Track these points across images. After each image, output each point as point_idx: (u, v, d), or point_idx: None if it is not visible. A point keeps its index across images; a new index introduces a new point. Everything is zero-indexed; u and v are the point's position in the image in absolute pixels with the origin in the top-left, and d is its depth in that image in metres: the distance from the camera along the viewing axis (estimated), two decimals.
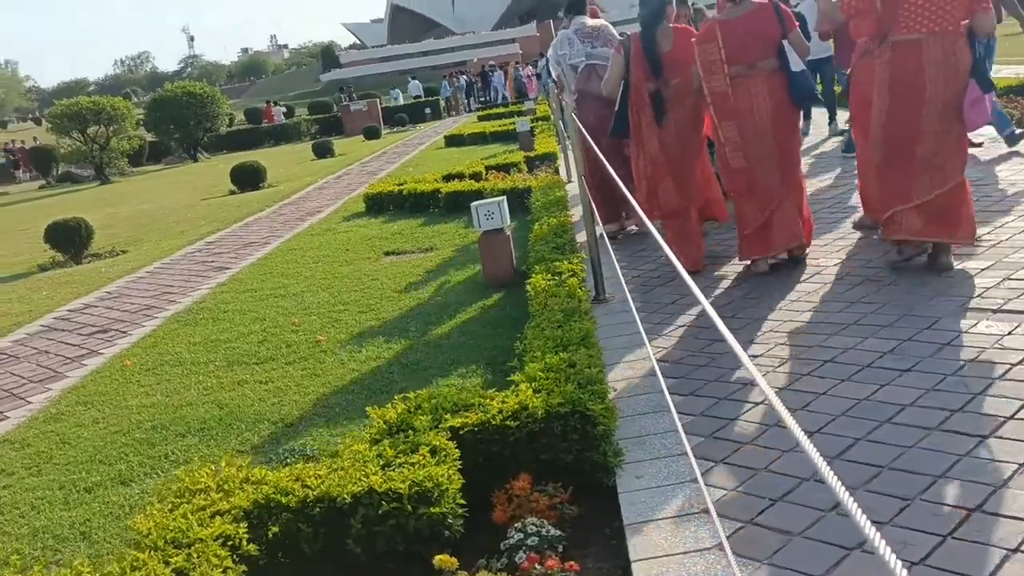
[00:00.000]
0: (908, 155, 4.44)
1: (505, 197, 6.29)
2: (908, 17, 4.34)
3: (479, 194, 9.31)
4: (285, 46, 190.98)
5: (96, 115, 24.78)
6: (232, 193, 16.20)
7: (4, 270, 10.52)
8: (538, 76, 35.53)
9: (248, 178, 16.26)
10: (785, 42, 5.02)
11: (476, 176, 11.19)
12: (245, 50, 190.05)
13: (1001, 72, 13.50)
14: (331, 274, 7.31)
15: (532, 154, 12.42)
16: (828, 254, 5.27)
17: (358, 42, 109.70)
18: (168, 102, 29.68)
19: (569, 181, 9.92)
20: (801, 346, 3.84)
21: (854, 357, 3.58)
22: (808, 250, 5.27)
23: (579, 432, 2.93)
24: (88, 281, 8.80)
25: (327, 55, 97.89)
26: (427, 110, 35.09)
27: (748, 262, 5.22)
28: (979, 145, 7.52)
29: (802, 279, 4.88)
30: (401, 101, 38.04)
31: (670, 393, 2.98)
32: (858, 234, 5.58)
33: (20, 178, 32.48)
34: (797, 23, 5.17)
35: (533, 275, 5.02)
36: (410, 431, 2.98)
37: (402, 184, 10.77)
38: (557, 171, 10.82)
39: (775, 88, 4.98)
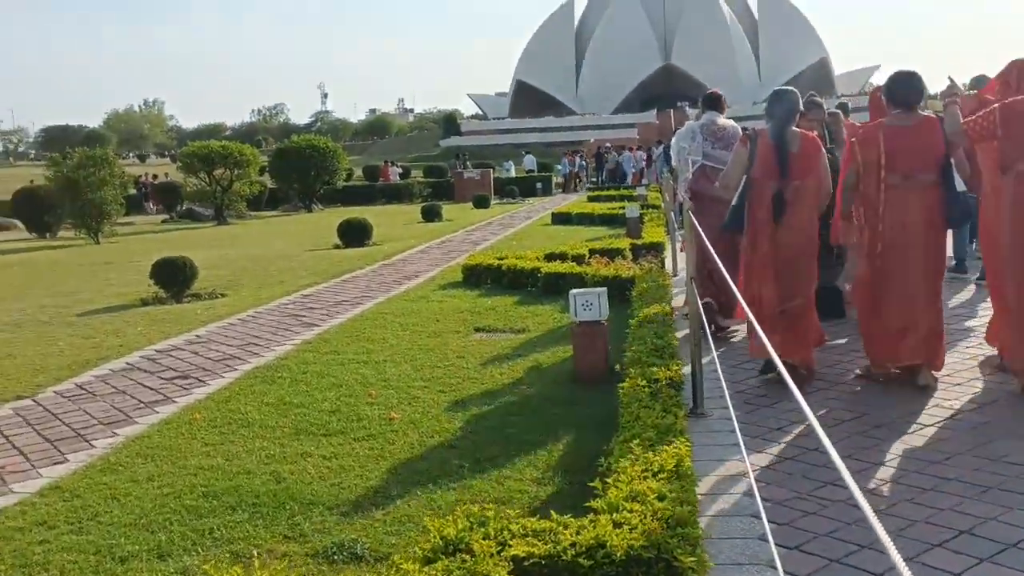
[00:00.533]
0: None
1: (606, 289, 5.94)
2: None
3: (580, 278, 8.98)
4: (411, 110, 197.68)
5: (224, 158, 25.78)
6: (337, 247, 16.36)
7: (109, 300, 10.72)
8: (648, 163, 35.69)
9: (354, 234, 16.41)
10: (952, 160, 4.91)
11: (579, 258, 10.88)
12: (373, 110, 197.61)
13: None
14: (417, 345, 7.06)
15: (639, 242, 12.06)
16: (955, 388, 4.70)
17: (480, 112, 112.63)
18: (292, 152, 30.74)
19: (675, 275, 9.51)
20: (932, 508, 3.31)
21: (996, 531, 3.04)
22: (936, 379, 4.97)
23: None
24: (181, 321, 8.82)
25: (448, 121, 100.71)
26: (538, 185, 35.32)
27: (861, 372, 5.20)
28: None
29: (926, 408, 4.34)
30: (513, 173, 38.45)
31: (777, 546, 2.53)
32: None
33: (148, 210, 34.00)
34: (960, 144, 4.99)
35: (627, 378, 4.62)
36: (467, 556, 2.61)
37: (502, 258, 10.56)
38: (663, 263, 10.43)
39: (931, 204, 4.85)
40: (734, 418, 3.39)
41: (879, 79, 76.57)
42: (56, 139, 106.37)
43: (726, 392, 3.75)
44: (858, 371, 5.32)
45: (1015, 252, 4.69)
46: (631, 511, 2.80)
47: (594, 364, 5.74)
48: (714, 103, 7.04)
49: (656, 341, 5.38)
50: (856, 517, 3.24)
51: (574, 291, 5.82)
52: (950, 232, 5.93)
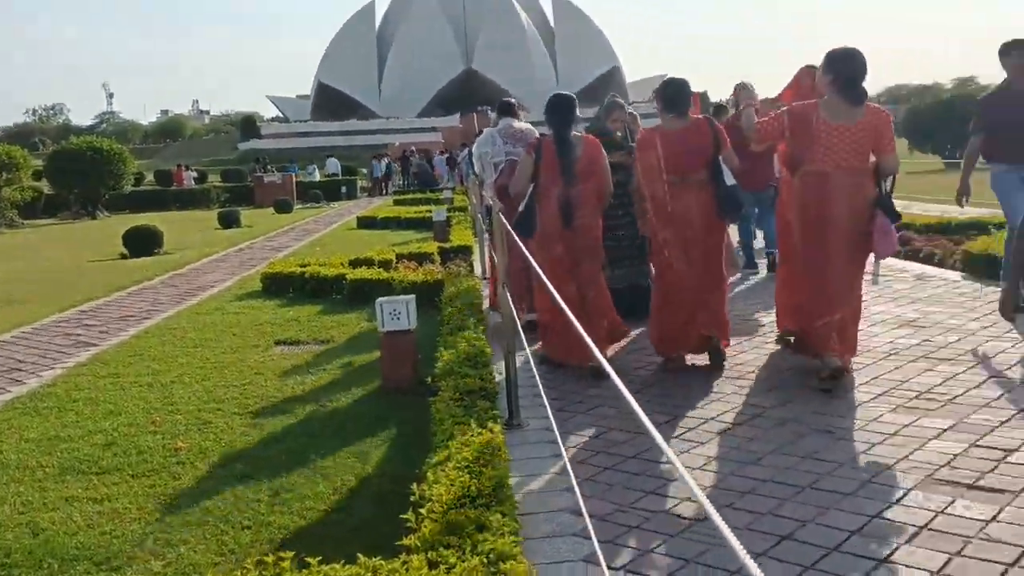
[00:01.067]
0: (823, 273, 4.74)
1: (414, 296, 5.62)
2: (819, 153, 4.71)
3: (388, 285, 8.63)
4: (207, 112, 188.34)
5: None
6: (123, 257, 15.07)
7: None
8: (452, 166, 35.88)
9: (142, 242, 15.18)
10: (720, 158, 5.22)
11: (386, 264, 10.51)
12: (165, 111, 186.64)
13: (911, 208, 13.76)
14: (211, 362, 6.46)
15: (447, 245, 11.86)
16: (747, 357, 4.77)
17: (281, 115, 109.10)
18: (71, 155, 28.18)
19: (484, 278, 9.36)
20: (753, 514, 3.24)
21: (816, 535, 3.00)
22: (726, 356, 5.35)
23: None
24: None
25: (247, 124, 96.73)
26: (343, 188, 34.47)
27: (664, 359, 5.42)
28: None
29: (733, 408, 4.36)
30: (317, 177, 37.31)
31: (609, 569, 2.32)
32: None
33: None
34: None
35: (440, 392, 4.34)
36: None
37: (305, 266, 10.00)
38: (472, 267, 10.26)
39: (704, 201, 5.18)
40: (555, 428, 3.19)
41: None
42: None
43: (546, 401, 3.55)
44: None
45: (804, 248, 4.88)
46: (448, 546, 2.51)
47: (403, 376, 5.42)
48: (507, 110, 7.22)
49: (468, 348, 5.14)
50: (680, 527, 3.11)
51: (381, 299, 5.47)
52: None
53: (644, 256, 6.87)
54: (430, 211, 17.90)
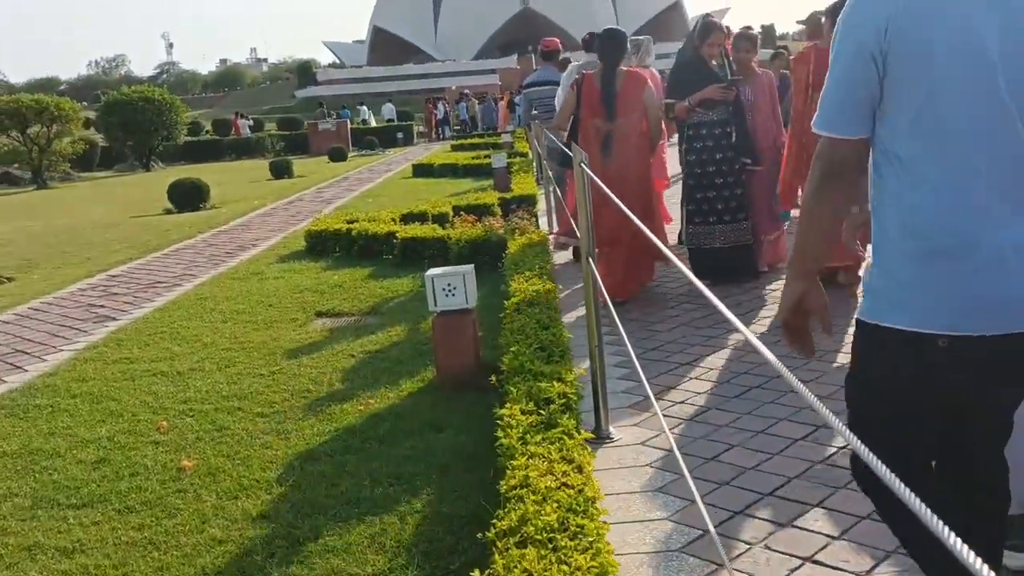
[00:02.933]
0: None
1: (472, 267, 4.58)
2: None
3: (443, 243, 7.62)
4: (265, 60, 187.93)
5: (38, 114, 22.79)
6: (168, 212, 14.36)
7: None
8: (512, 108, 34.57)
9: (188, 197, 14.44)
10: None
11: (441, 218, 9.50)
12: (224, 61, 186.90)
13: None
14: (239, 342, 5.55)
15: (508, 195, 10.76)
16: None
17: (337, 61, 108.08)
18: (123, 106, 27.68)
19: (551, 233, 8.28)
20: None
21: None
22: None
23: None
24: None
25: (304, 71, 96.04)
26: (399, 134, 33.42)
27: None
28: None
29: None
30: (372, 123, 36.32)
31: None
32: None
33: None
34: None
35: (508, 400, 3.33)
36: None
37: (352, 222, 9.04)
38: (536, 219, 9.19)
39: None
40: (676, 451, 2.16)
41: (732, 19, 77.81)
42: None
43: (657, 410, 2.53)
44: None
45: None
46: None
47: (463, 365, 4.42)
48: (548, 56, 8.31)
49: (541, 334, 4.10)
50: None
51: (432, 273, 4.44)
52: None
53: (746, 212, 5.75)
54: (489, 157, 16.81)
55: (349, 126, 32.56)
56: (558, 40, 8.97)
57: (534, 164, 13.56)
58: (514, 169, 13.92)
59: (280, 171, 20.38)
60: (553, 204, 8.71)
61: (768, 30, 78.70)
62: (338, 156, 25.55)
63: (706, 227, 5.71)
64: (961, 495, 1.79)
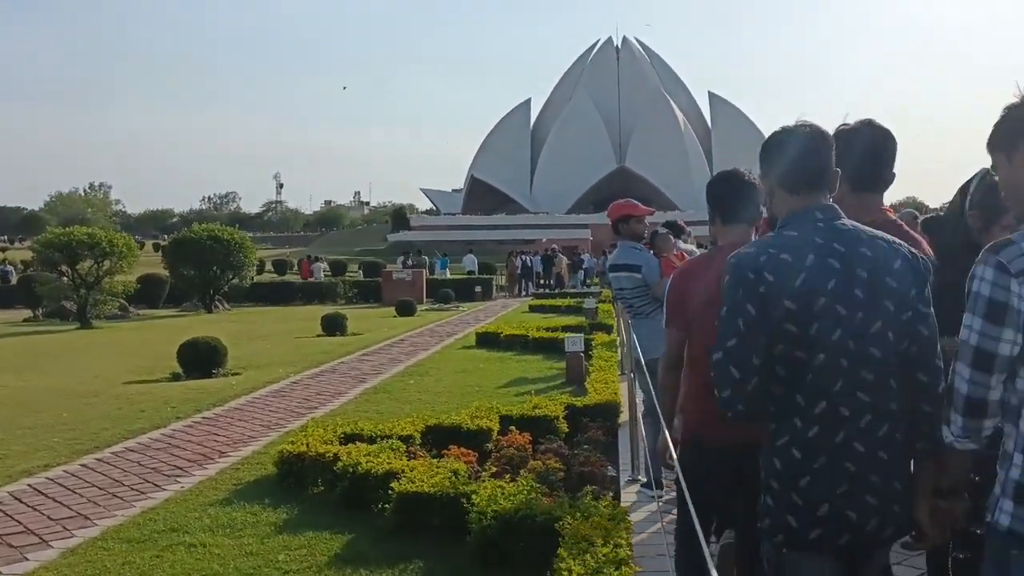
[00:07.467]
0: None
1: None
2: None
3: (458, 509, 4.74)
4: (367, 203, 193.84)
5: (90, 248, 21.37)
6: (174, 378, 11.94)
7: None
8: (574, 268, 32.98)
9: (199, 360, 12.00)
10: None
11: (481, 437, 6.65)
12: (328, 202, 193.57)
13: None
14: None
15: (579, 402, 7.83)
16: None
17: (433, 207, 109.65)
18: (189, 243, 26.36)
19: (635, 477, 5.33)
20: None
21: None
22: None
23: None
24: None
25: (398, 216, 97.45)
26: (477, 288, 31.26)
27: None
28: None
29: None
30: (448, 275, 34.37)
31: None
32: None
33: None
34: None
35: None
36: None
37: (349, 439, 6.27)
38: (615, 440, 6.29)
39: None
40: None
41: None
42: None
43: None
44: None
45: None
46: None
47: None
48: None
49: None
50: None
51: None
52: None
53: None
54: (565, 330, 14.06)
55: (425, 276, 30.62)
56: (632, 203, 6.21)
57: (618, 350, 10.71)
58: (594, 354, 11.11)
59: (332, 327, 18.05)
60: (640, 435, 5.79)
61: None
62: (405, 310, 23.29)
63: None
64: None
